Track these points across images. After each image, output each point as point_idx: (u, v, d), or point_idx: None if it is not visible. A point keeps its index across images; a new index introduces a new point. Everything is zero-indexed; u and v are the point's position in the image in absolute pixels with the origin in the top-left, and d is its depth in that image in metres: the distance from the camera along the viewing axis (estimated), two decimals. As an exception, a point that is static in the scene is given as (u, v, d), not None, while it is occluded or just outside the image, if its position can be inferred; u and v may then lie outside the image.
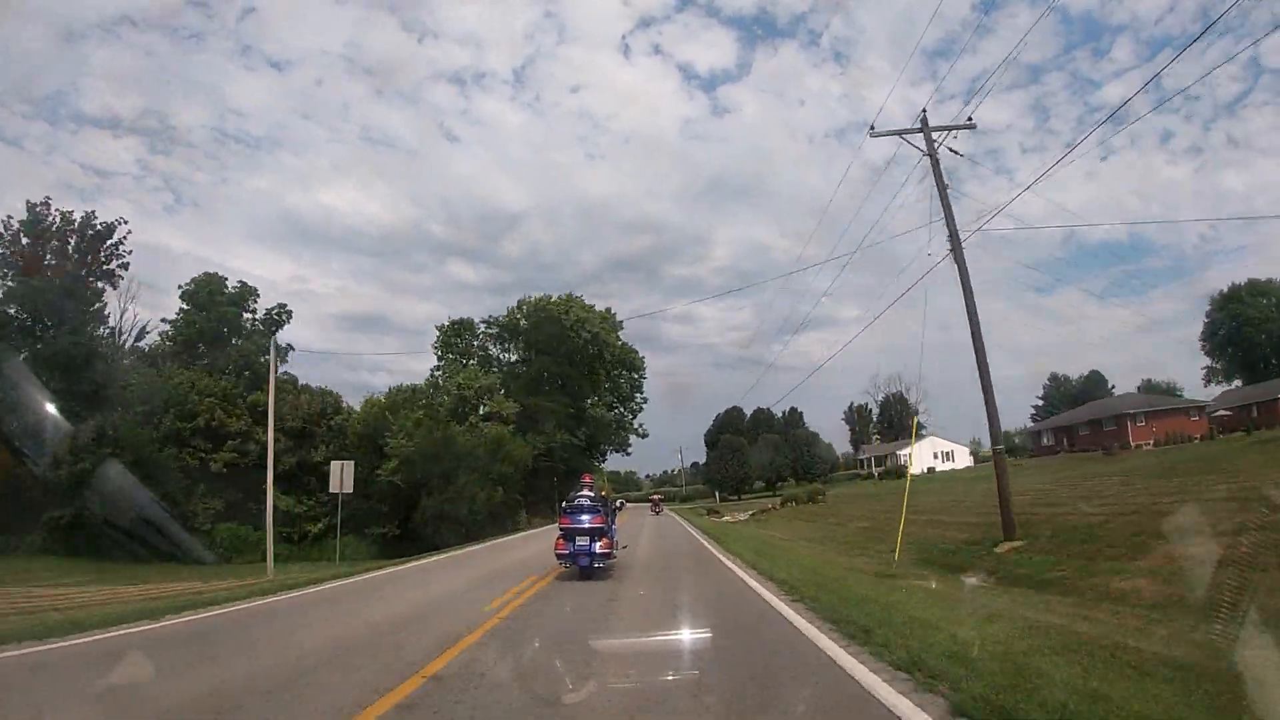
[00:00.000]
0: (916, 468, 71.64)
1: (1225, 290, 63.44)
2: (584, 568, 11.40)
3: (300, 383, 39.74)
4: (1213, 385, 64.06)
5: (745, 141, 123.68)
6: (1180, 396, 59.99)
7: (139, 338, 39.63)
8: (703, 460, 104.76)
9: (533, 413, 43.62)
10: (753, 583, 10.57)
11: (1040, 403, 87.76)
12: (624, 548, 14.28)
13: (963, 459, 73.49)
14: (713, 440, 78.76)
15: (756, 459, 63.69)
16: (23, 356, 30.73)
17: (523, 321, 54.04)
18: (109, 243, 36.99)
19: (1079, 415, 58.65)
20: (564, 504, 12.50)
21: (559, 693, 4.81)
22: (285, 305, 43.68)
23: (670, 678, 5.29)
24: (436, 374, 46.55)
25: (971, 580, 12.37)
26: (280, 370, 42.67)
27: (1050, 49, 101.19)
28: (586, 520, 11.51)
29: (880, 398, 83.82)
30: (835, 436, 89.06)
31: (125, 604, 11.88)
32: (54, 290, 32.92)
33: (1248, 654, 4.48)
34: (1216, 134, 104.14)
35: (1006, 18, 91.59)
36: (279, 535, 33.59)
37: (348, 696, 4.82)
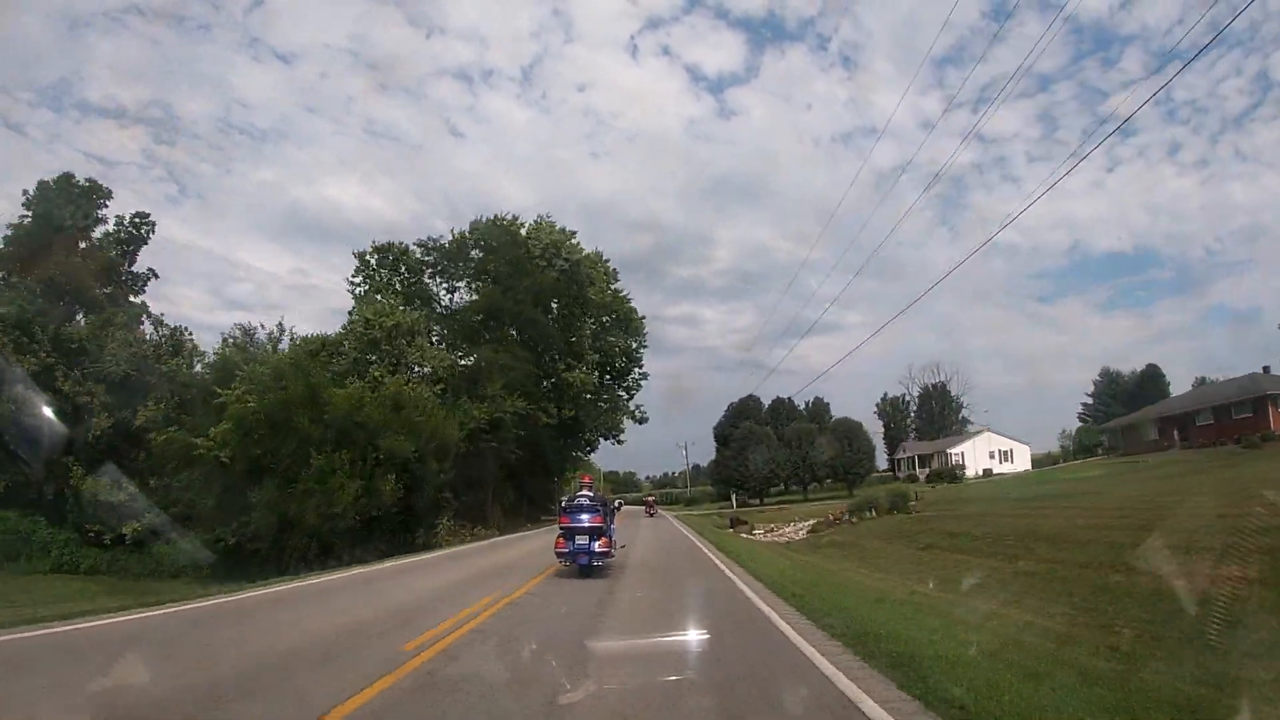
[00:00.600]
0: (969, 469, 59.96)
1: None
2: (583, 566, 11.72)
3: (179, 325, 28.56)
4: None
5: (751, 143, 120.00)
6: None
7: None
8: (706, 461, 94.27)
9: (476, 373, 31.56)
10: None
11: (1089, 400, 76.63)
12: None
13: (1022, 460, 61.77)
14: (724, 435, 66.79)
15: (785, 455, 50.99)
16: None
17: (476, 253, 39.30)
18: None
19: (1193, 401, 46.87)
20: (564, 503, 12.81)
21: None
22: (148, 215, 32.19)
23: None
24: (353, 318, 31.38)
25: None
26: (138, 300, 31.35)
27: (1060, 58, 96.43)
28: (586, 520, 11.77)
29: (918, 390, 72.05)
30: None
31: None
32: None
33: None
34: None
35: (1015, 25, 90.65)
36: (85, 536, 22.48)
37: None
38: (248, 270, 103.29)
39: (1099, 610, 9.99)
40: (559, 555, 11.86)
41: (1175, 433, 45.52)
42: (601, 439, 47.47)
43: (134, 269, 32.61)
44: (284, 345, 29.09)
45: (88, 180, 31.16)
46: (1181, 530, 12.57)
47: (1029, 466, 60.77)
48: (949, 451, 60.13)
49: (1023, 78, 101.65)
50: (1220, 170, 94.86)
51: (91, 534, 23.21)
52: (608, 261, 43.54)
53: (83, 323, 27.76)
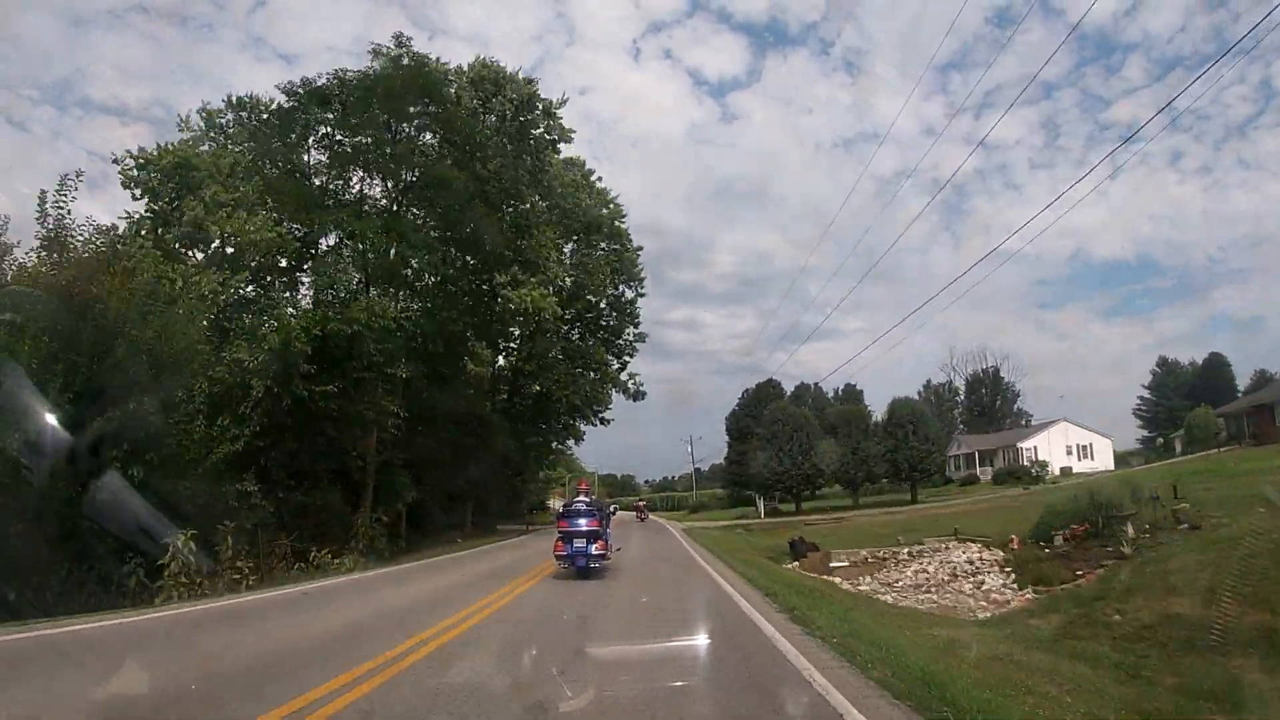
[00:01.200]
0: (1035, 466, 48.77)
1: None
2: (580, 568, 11.95)
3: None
4: None
5: (753, 147, 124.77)
6: None
7: None
8: (708, 466, 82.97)
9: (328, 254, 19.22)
10: None
11: (1146, 393, 66.57)
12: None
13: (1103, 456, 50.85)
14: (739, 427, 55.33)
15: (831, 447, 38.54)
16: None
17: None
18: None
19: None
20: (562, 508, 13.49)
21: None
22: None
23: None
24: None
25: None
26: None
27: (1062, 65, 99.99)
28: (584, 524, 12.10)
29: (963, 377, 60.97)
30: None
31: None
32: None
33: None
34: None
35: (1020, 33, 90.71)
36: None
37: None
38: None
39: None
40: (558, 558, 12.18)
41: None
42: (580, 420, 35.30)
43: None
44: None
45: None
46: None
47: (1111, 464, 49.95)
48: (1020, 446, 49.07)
49: (1022, 83, 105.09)
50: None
51: None
52: (598, 180, 31.60)
53: None
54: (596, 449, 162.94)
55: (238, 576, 12.27)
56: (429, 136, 22.57)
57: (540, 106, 25.13)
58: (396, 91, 20.41)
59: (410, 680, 5.35)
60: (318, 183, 21.58)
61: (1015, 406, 62.99)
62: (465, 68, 24.44)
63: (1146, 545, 13.95)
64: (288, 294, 19.17)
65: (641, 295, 34.57)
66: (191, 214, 16.27)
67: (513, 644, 6.88)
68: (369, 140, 21.28)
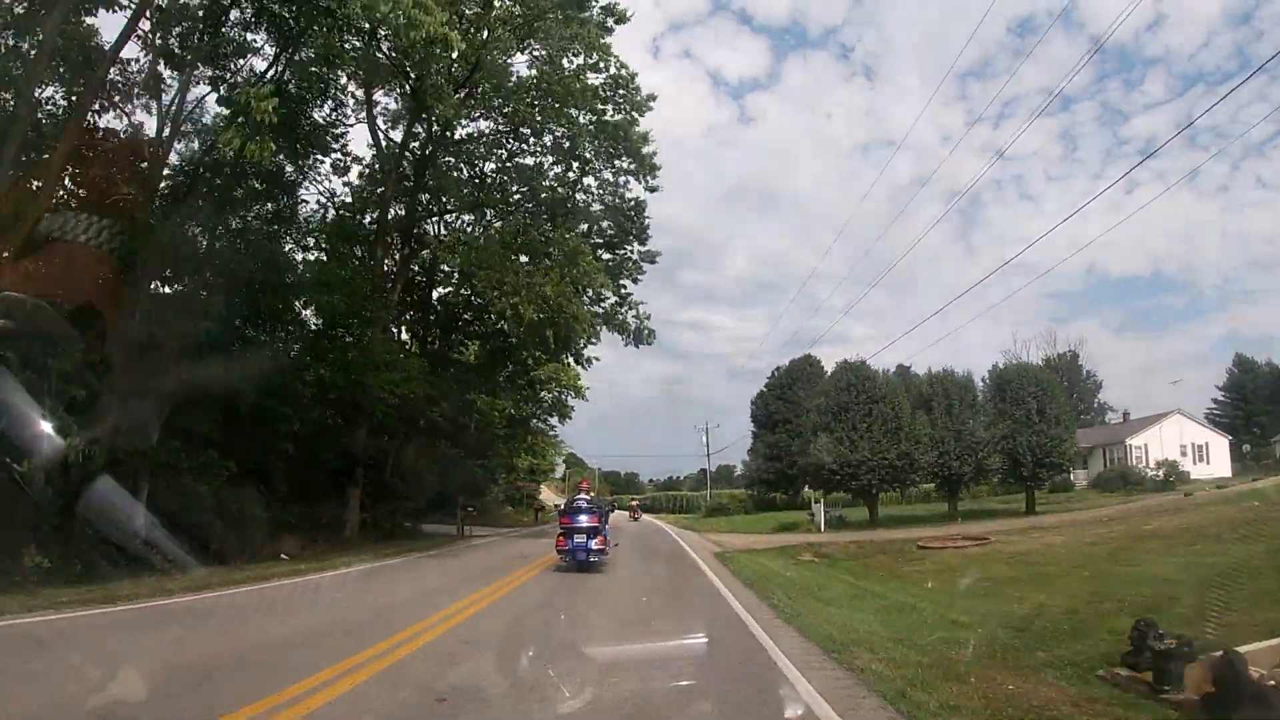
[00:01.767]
0: (1157, 469, 38.64)
1: None
2: (581, 561, 12.54)
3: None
4: None
5: (770, 149, 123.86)
6: None
7: None
8: (717, 467, 72.95)
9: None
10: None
11: (1222, 396, 55.62)
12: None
13: (1219, 459, 41.00)
14: (768, 413, 45.29)
15: (924, 432, 25.84)
16: None
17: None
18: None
19: None
20: (564, 506, 14.12)
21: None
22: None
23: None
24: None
25: None
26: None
27: (1082, 77, 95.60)
28: (584, 520, 12.63)
29: (1039, 362, 50.68)
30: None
31: None
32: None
33: None
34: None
35: (1041, 45, 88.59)
36: None
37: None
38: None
39: None
40: (559, 552, 12.90)
41: None
42: (560, 355, 24.39)
43: None
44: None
45: None
46: None
47: (1228, 470, 40.09)
48: (1128, 443, 39.07)
49: (1035, 94, 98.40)
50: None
51: None
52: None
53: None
54: (597, 449, 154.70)
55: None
56: None
57: None
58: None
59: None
60: None
61: (1097, 400, 52.94)
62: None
63: None
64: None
65: (653, 190, 23.94)
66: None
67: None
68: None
